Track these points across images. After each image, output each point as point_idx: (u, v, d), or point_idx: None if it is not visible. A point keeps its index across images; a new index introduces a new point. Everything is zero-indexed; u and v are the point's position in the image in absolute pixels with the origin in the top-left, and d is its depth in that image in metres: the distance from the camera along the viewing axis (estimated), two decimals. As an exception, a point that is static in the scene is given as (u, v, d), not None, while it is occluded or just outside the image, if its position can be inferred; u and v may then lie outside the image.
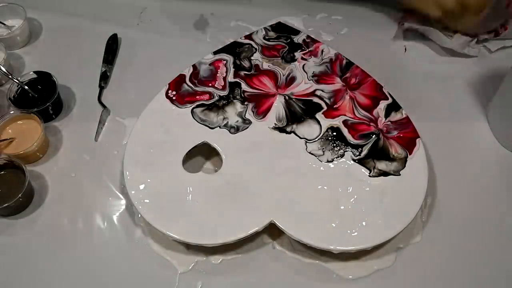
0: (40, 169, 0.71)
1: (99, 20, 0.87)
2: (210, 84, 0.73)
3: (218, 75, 0.74)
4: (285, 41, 0.78)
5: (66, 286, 0.62)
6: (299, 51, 0.77)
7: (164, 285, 0.62)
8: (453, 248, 0.65)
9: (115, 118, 0.76)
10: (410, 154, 0.66)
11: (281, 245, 0.64)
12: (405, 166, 0.66)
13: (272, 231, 0.63)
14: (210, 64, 0.75)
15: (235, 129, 0.69)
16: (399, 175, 0.65)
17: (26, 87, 0.73)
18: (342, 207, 0.62)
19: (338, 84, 0.73)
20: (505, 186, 0.70)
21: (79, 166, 0.71)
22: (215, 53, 0.77)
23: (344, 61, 0.76)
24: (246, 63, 0.76)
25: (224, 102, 0.71)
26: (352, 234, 0.60)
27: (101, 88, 0.78)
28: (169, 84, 0.73)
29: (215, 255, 0.64)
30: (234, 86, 0.73)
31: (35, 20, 0.87)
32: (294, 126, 0.69)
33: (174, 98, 0.71)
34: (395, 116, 0.70)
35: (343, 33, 0.86)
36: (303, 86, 0.73)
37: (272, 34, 0.80)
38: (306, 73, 0.74)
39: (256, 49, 0.77)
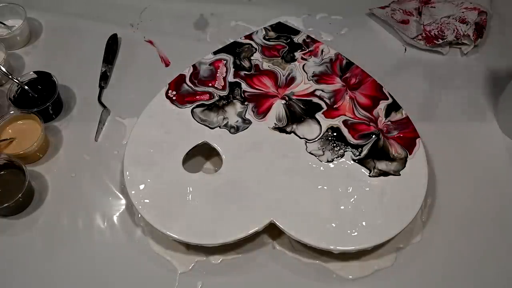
0: (40, 169, 0.71)
1: (99, 20, 0.87)
2: (210, 84, 0.73)
3: (218, 75, 0.74)
4: (285, 41, 0.78)
5: (66, 286, 0.62)
6: (299, 51, 0.77)
7: (164, 285, 0.62)
8: (453, 248, 0.65)
9: (115, 118, 0.76)
10: (410, 154, 0.66)
11: (281, 245, 0.64)
12: (405, 166, 0.66)
13: (272, 231, 0.63)
14: (210, 64, 0.75)
15: (235, 129, 0.69)
16: (399, 175, 0.65)
17: (26, 87, 0.73)
18: (342, 207, 0.62)
19: (338, 84, 0.73)
20: (505, 186, 0.70)
21: (79, 166, 0.71)
22: (215, 53, 0.77)
23: (344, 61, 0.76)
24: (246, 63, 0.76)
25: (224, 102, 0.71)
26: (352, 234, 0.60)
27: (101, 88, 0.78)
28: (169, 84, 0.73)
29: (215, 255, 0.64)
30: (234, 86, 0.73)
31: (35, 20, 0.87)
32: (294, 126, 0.69)
33: (174, 98, 0.71)
34: (395, 116, 0.70)
35: (343, 33, 0.86)
36: (303, 86, 0.73)
37: (272, 34, 0.80)
38: (306, 73, 0.74)
39: (256, 49, 0.77)
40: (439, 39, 0.81)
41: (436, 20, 0.82)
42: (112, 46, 0.83)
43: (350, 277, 0.62)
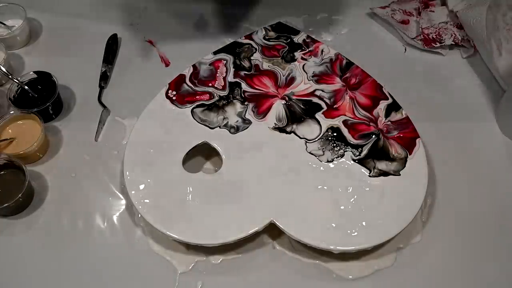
0: (40, 169, 0.70)
1: (99, 20, 0.87)
2: (210, 84, 0.73)
3: (218, 75, 0.74)
4: (285, 41, 0.78)
5: (66, 286, 0.62)
6: (299, 51, 0.77)
7: (164, 285, 0.62)
8: (453, 248, 0.65)
9: (115, 118, 0.76)
10: (410, 154, 0.66)
11: (281, 245, 0.64)
12: (405, 166, 0.66)
13: (272, 231, 0.63)
14: (210, 64, 0.75)
15: (235, 129, 0.69)
16: (399, 175, 0.65)
17: (26, 87, 0.73)
18: (342, 207, 0.62)
19: (338, 84, 0.73)
20: (505, 186, 0.70)
21: (79, 166, 0.71)
22: (215, 53, 0.77)
23: (344, 61, 0.76)
24: (246, 63, 0.76)
25: (224, 102, 0.71)
26: (352, 234, 0.60)
27: (101, 88, 0.78)
28: (169, 84, 0.73)
29: (215, 255, 0.64)
30: (234, 86, 0.73)
31: (35, 20, 0.87)
32: (294, 126, 0.69)
33: (174, 98, 0.71)
34: (395, 116, 0.70)
35: (343, 33, 0.86)
36: (303, 86, 0.73)
37: (272, 34, 0.80)
38: (306, 73, 0.74)
39: (256, 49, 0.77)
40: (437, 43, 0.81)
41: (434, 25, 0.82)
42: (112, 46, 0.83)
43: (350, 277, 0.62)
